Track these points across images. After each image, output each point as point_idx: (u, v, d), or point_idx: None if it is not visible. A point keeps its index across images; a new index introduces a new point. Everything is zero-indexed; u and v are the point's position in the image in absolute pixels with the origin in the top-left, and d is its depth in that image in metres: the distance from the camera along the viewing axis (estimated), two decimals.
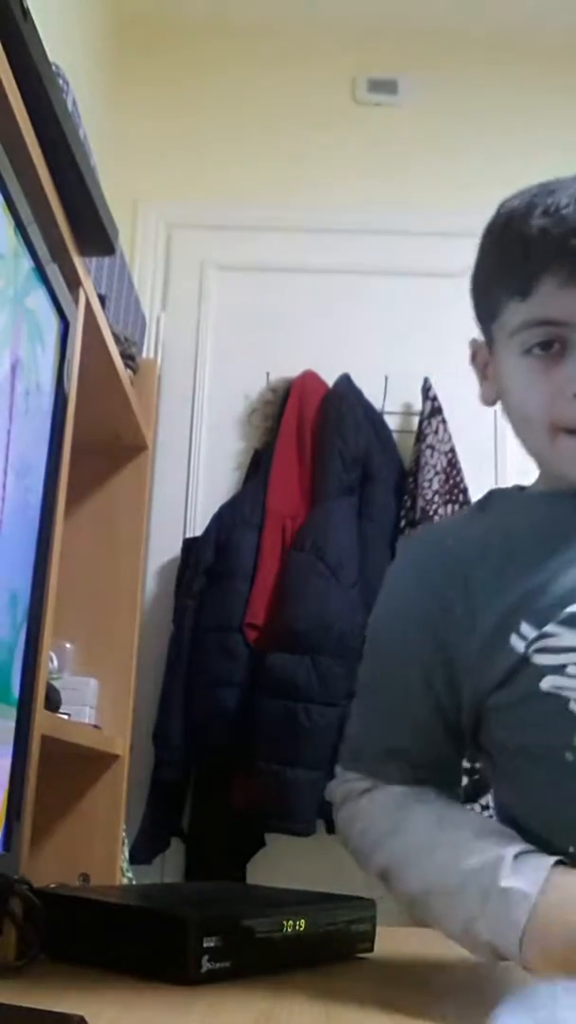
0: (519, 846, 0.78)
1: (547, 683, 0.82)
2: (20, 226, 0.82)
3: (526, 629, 0.85)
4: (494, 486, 1.05)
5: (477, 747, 0.93)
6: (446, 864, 0.80)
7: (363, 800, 0.91)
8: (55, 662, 1.79)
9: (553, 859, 0.76)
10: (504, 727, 0.87)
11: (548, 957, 0.71)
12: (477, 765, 0.97)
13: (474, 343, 0.99)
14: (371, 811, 0.90)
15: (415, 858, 0.83)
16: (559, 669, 0.82)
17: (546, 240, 0.84)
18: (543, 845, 0.81)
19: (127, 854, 2.00)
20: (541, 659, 0.84)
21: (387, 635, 0.97)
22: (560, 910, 0.72)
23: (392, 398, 2.55)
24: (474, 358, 1.00)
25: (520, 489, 1.00)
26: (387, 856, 0.86)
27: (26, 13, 1.01)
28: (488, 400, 0.97)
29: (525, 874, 0.75)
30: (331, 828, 1.92)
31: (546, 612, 0.85)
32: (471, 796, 1.17)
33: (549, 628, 0.84)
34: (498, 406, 0.95)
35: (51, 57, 1.11)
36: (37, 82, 1.05)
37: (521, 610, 0.86)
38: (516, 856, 0.76)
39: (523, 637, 0.85)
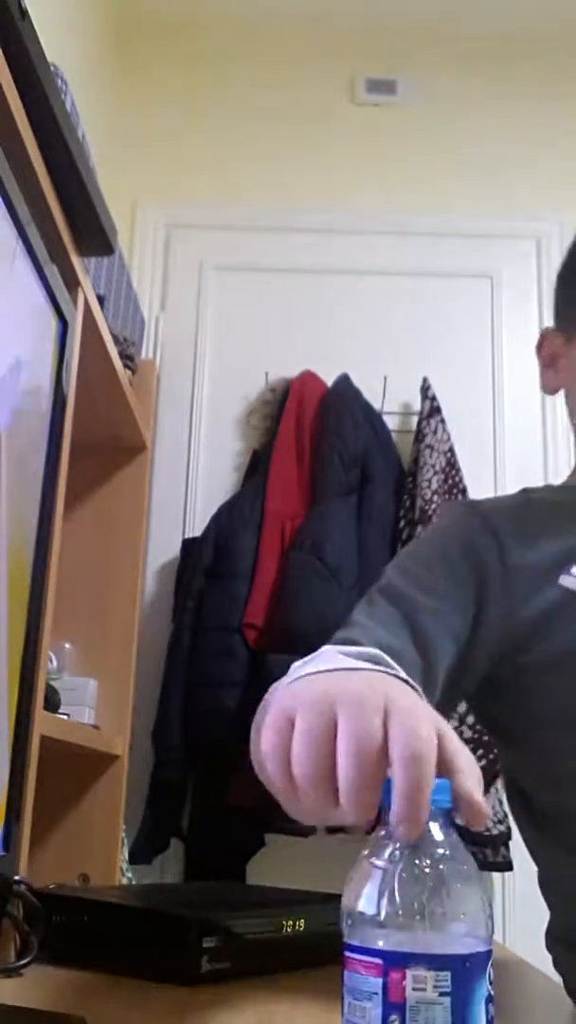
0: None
1: None
2: (19, 226, 0.82)
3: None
4: (493, 485, 1.06)
5: (488, 723, 0.92)
6: None
7: None
8: (54, 662, 1.79)
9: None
10: (536, 694, 0.86)
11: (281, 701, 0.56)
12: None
13: (546, 331, 1.01)
14: None
15: None
16: None
17: None
18: (569, 816, 0.80)
19: (127, 854, 2.00)
20: None
21: (414, 556, 0.95)
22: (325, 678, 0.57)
23: (391, 398, 2.55)
24: (540, 347, 1.01)
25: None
26: None
27: (24, 13, 1.01)
28: (550, 388, 0.99)
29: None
30: (331, 828, 1.92)
31: None
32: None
33: None
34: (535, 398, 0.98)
35: (50, 57, 1.11)
36: (35, 82, 1.05)
37: (567, 562, 0.86)
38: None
39: (573, 575, 0.85)
